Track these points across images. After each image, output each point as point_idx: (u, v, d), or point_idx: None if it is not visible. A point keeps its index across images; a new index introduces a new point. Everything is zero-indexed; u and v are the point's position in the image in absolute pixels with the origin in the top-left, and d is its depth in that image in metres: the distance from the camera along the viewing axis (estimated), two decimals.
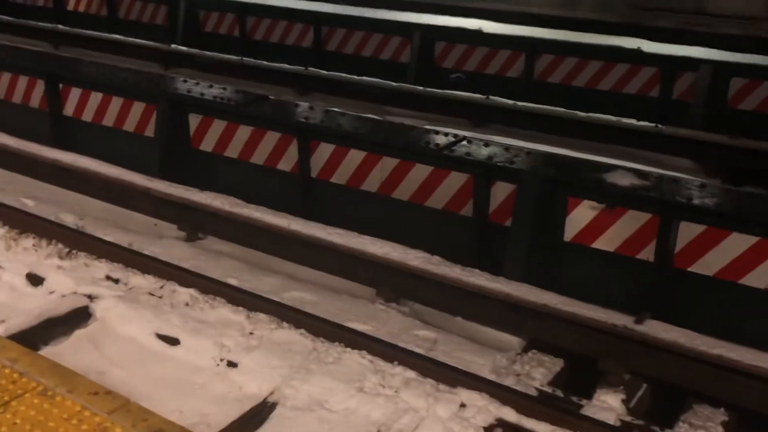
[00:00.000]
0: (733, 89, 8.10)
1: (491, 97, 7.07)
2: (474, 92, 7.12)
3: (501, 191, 5.76)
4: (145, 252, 5.73)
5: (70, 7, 12.97)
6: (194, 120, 7.07)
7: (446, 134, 5.79)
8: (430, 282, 5.36)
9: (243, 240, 6.21)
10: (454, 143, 5.72)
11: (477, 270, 5.41)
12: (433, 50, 9.74)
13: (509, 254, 5.63)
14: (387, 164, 6.17)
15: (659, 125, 6.42)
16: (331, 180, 6.49)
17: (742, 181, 5.17)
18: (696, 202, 4.97)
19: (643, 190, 5.09)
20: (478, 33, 9.30)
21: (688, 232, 5.13)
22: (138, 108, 7.36)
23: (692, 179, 5.01)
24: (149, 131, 7.31)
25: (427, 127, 5.93)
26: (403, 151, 6.05)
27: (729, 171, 5.37)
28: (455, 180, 5.90)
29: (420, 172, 6.04)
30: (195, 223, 6.41)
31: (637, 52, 8.42)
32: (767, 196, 4.89)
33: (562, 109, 6.82)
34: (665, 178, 5.04)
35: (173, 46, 9.12)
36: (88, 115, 7.73)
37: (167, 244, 6.09)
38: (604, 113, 6.74)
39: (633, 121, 6.50)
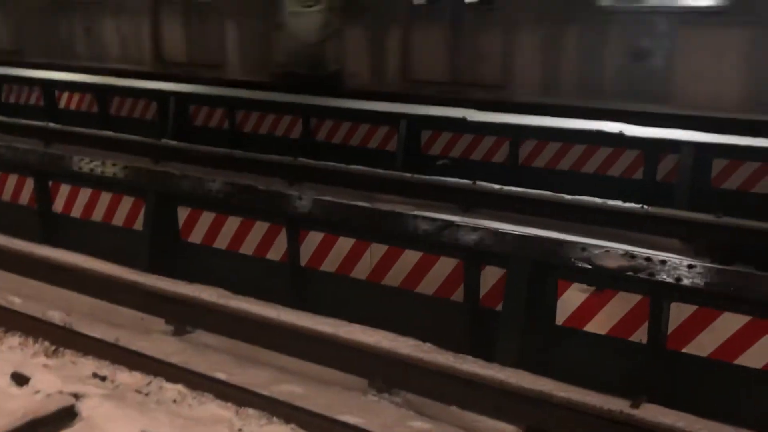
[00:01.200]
0: (716, 170, 8.24)
1: (478, 182, 7.17)
2: (461, 178, 7.22)
3: (491, 275, 5.75)
4: (132, 347, 5.62)
5: (62, 105, 13.21)
6: (183, 212, 7.10)
7: (435, 220, 5.81)
8: (423, 371, 5.26)
9: (232, 332, 6.13)
10: (443, 228, 5.74)
11: (470, 356, 5.33)
12: (420, 138, 9.91)
13: (502, 339, 5.57)
14: (376, 251, 6.17)
15: (645, 206, 6.49)
16: (321, 268, 6.47)
17: (731, 260, 5.19)
18: (686, 282, 4.95)
19: (632, 271, 5.08)
20: (462, 121, 9.50)
21: (679, 312, 5.10)
22: (127, 202, 7.39)
23: (681, 259, 5.01)
24: (138, 225, 7.32)
25: (416, 213, 5.96)
26: (393, 237, 6.06)
27: (717, 250, 5.40)
28: (445, 265, 5.89)
29: (410, 258, 6.03)
30: (183, 317, 6.34)
31: (619, 136, 8.60)
32: (757, 274, 4.89)
33: (548, 192, 6.91)
34: (654, 258, 5.04)
35: (163, 140, 9.28)
36: (77, 211, 7.75)
37: (155, 339, 5.99)
38: (589, 195, 6.83)
39: (619, 203, 6.59)
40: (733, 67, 9.10)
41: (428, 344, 5.47)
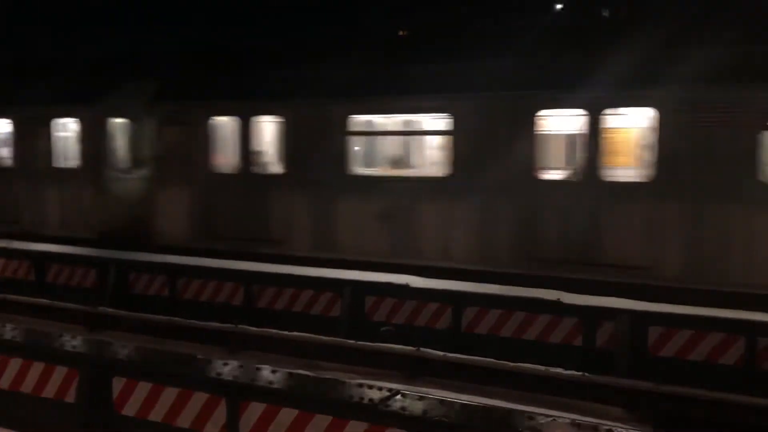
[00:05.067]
0: (653, 337, 8.43)
1: (422, 348, 7.18)
2: (405, 345, 7.22)
3: None
4: None
5: None
6: (118, 383, 6.83)
7: (380, 388, 5.73)
8: None
9: None
10: (389, 398, 5.65)
11: None
12: (364, 304, 9.95)
13: None
14: (320, 422, 5.98)
15: (586, 373, 6.57)
16: None
17: (673, 428, 5.23)
18: None
19: None
20: (405, 287, 9.62)
21: None
22: (60, 373, 7.09)
23: (626, 428, 5.01)
24: (70, 397, 6.99)
25: (360, 381, 5.87)
26: (337, 407, 5.91)
27: (659, 418, 5.44)
28: None
29: (354, 429, 5.86)
30: None
31: (557, 303, 8.80)
32: None
33: (492, 360, 6.95)
34: (600, 428, 5.02)
35: (100, 308, 9.09)
36: (5, 383, 7.37)
37: None
38: (530, 363, 6.89)
39: (560, 370, 6.65)
40: None
41: None
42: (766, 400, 6.13)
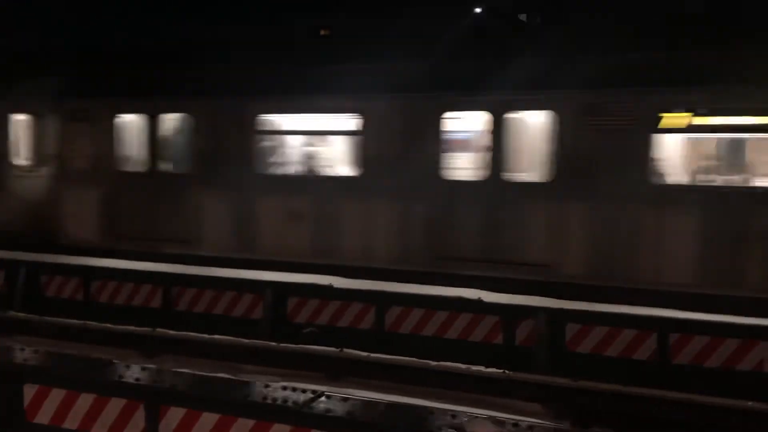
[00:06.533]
0: (570, 334, 8.67)
1: (345, 349, 7.17)
2: (328, 346, 7.20)
3: None
4: None
5: None
6: (29, 390, 6.56)
7: (304, 390, 5.69)
8: None
9: None
10: (312, 399, 5.61)
11: None
12: (286, 305, 9.86)
13: None
14: (242, 426, 5.89)
15: (506, 371, 6.70)
16: None
17: (590, 423, 5.38)
18: None
19: None
20: (329, 288, 9.59)
21: None
22: None
23: (546, 424, 5.13)
24: None
25: (284, 383, 5.82)
26: (260, 411, 5.83)
27: (576, 413, 5.59)
28: None
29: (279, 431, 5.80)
30: None
31: (478, 302, 8.93)
32: None
33: (415, 359, 7.00)
34: (521, 424, 5.12)
35: (10, 312, 8.73)
36: None
37: None
38: (453, 361, 6.98)
39: (482, 368, 6.76)
40: None
41: None
42: (678, 393, 6.39)
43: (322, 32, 15.19)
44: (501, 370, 6.77)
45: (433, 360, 7.10)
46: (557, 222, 10.14)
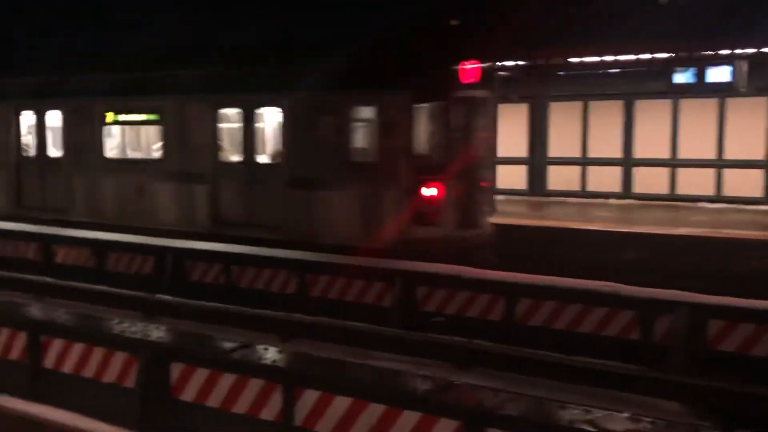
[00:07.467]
0: (712, 331, 8.21)
1: (474, 340, 7.15)
2: (456, 336, 7.19)
3: None
4: None
5: (58, 260, 13.28)
6: (176, 369, 6.96)
7: (435, 379, 5.72)
8: None
9: None
10: (444, 389, 5.63)
11: None
12: (415, 295, 9.94)
13: None
14: (374, 411, 5.99)
15: (644, 368, 6.46)
16: (315, 429, 6.26)
17: (734, 425, 5.11)
18: None
19: None
20: (457, 278, 9.57)
21: None
22: (119, 358, 7.26)
23: (686, 424, 4.92)
24: (129, 382, 7.15)
25: (416, 372, 5.88)
26: (389, 396, 5.91)
27: (720, 416, 5.33)
28: (445, 427, 5.71)
29: (408, 419, 5.86)
30: None
31: (615, 296, 8.63)
32: None
33: (546, 353, 6.88)
34: (658, 423, 4.95)
35: (158, 295, 9.27)
36: (68, 367, 7.59)
37: None
38: (586, 356, 6.80)
39: (618, 364, 6.55)
40: None
41: None
42: None
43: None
44: (637, 367, 6.54)
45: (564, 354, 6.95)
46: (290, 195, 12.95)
